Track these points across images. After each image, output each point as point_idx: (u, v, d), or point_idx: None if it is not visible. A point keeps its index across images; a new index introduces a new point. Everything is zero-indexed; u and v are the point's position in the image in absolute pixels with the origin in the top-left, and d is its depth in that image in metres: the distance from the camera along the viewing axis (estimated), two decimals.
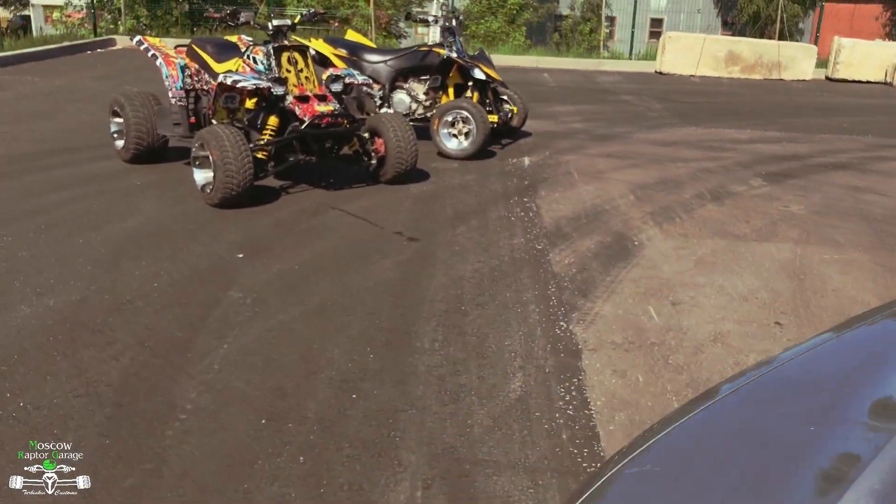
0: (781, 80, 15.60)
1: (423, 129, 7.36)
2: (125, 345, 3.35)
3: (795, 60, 15.74)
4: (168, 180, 6.01)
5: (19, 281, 3.98)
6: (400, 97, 7.79)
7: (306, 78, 5.81)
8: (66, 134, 7.52)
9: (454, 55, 7.51)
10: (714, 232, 5.30)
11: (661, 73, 15.80)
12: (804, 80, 15.65)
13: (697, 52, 15.62)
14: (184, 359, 3.25)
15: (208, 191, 5.34)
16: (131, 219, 5.08)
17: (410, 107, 7.77)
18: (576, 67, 16.36)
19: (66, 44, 14.21)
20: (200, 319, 3.63)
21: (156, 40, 6.66)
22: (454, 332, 3.60)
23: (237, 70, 5.98)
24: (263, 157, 5.65)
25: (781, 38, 40.67)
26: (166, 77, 6.27)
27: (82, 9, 22.66)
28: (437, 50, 7.71)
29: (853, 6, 17.80)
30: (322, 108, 5.64)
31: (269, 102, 5.74)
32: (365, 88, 6.20)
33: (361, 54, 7.83)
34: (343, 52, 7.81)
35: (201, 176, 5.44)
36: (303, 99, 5.69)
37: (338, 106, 5.75)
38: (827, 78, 15.90)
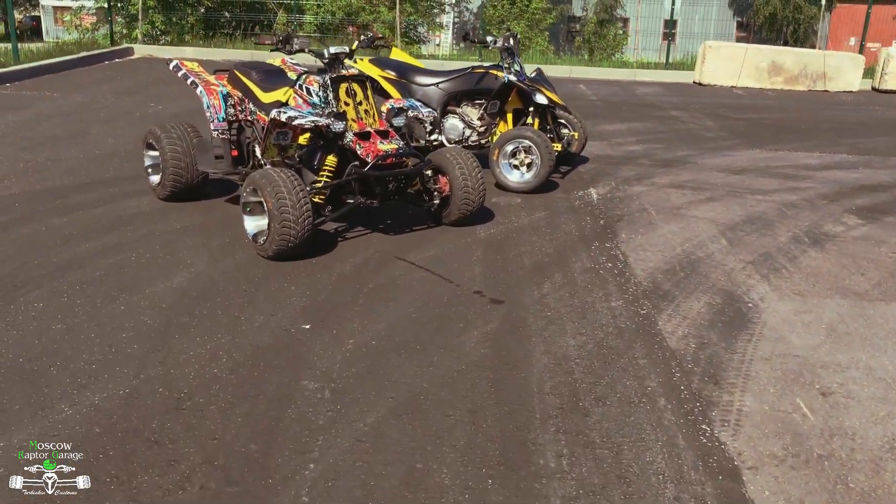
0: (826, 91, 14.95)
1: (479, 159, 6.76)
2: (191, 464, 2.76)
3: (841, 71, 15.09)
4: (212, 223, 5.43)
5: (56, 367, 3.40)
6: (452, 123, 7.19)
7: (366, 111, 5.22)
8: (93, 163, 6.94)
9: (514, 78, 6.91)
10: (831, 289, 4.68)
11: (700, 83, 15.17)
12: (851, 92, 14.99)
13: (739, 63, 14.98)
14: (265, 486, 2.67)
15: (261, 241, 4.75)
16: (177, 275, 4.50)
17: (463, 133, 7.18)
18: (612, 77, 15.74)
19: (83, 54, 13.66)
20: (275, 422, 3.04)
21: (193, 65, 6.08)
22: (580, 442, 3.00)
23: (287, 101, 5.39)
24: (320, 200, 5.06)
25: (796, 40, 39.86)
26: (207, 107, 5.69)
27: (94, 11, 22.15)
28: (494, 72, 7.10)
29: (870, 7, 17.11)
30: (385, 146, 5.05)
31: (326, 140, 5.15)
32: (412, 113, 5.60)
33: (410, 76, 7.23)
34: (391, 73, 7.22)
35: (253, 224, 4.86)
36: (363, 136, 5.10)
37: (402, 143, 5.16)
38: (874, 89, 15.24)
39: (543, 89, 6.94)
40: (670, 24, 20.64)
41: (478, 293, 4.42)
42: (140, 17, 16.97)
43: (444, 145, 7.21)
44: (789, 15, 39.70)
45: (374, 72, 7.19)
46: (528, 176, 6.58)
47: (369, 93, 5.27)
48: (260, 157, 5.44)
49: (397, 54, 7.81)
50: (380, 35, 5.64)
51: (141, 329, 3.79)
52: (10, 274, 4.40)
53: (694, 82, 15.39)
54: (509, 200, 6.39)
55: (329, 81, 5.11)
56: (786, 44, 36.27)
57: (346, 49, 5.26)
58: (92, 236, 5.09)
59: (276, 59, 6.42)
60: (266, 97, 5.60)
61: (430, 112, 5.63)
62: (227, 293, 4.28)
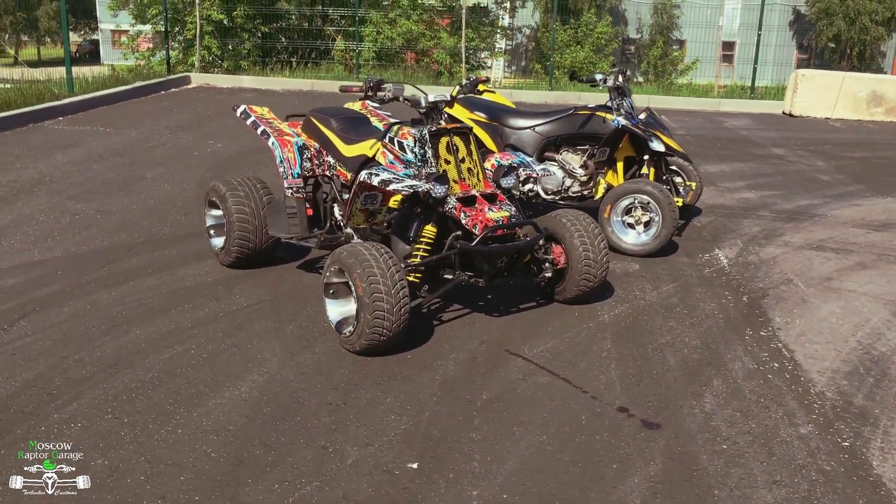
0: None
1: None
2: None
3: None
4: (283, 300, 4.58)
5: None
6: (550, 171, 6.26)
7: (469, 171, 4.33)
8: (146, 216, 6.17)
9: (625, 121, 5.98)
10: None
11: (791, 115, 14.04)
12: None
13: (835, 92, 13.84)
14: None
15: (347, 332, 3.88)
16: (246, 377, 3.64)
17: (563, 183, 6.25)
18: (693, 107, 14.70)
19: (139, 84, 13.09)
20: None
21: (263, 110, 5.27)
22: None
23: (374, 156, 4.54)
24: (415, 279, 4.18)
25: (862, 61, 38.09)
26: (281, 161, 4.87)
27: (149, 34, 21.78)
28: (601, 114, 6.18)
29: None
30: (495, 214, 4.15)
31: (423, 206, 4.28)
32: (525, 172, 4.68)
33: (503, 118, 6.34)
34: (481, 115, 6.34)
35: (337, 311, 3.99)
36: (467, 201, 4.21)
37: (513, 210, 4.25)
38: None
39: (659, 134, 5.99)
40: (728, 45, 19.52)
41: (623, 411, 3.47)
42: (197, 42, 16.42)
43: (541, 197, 6.30)
44: (854, 36, 38.10)
45: (461, 114, 6.32)
46: (647, 237, 5.62)
47: (473, 148, 4.39)
48: (342, 222, 4.58)
49: (490, 95, 6.93)
50: (483, 78, 4.74)
51: (203, 468, 2.92)
52: (43, 375, 3.58)
53: (784, 113, 14.27)
54: (626, 267, 5.44)
55: (428, 136, 4.23)
56: (853, 68, 34.75)
57: (447, 97, 4.39)
58: (144, 318, 4.27)
59: (355, 102, 5.60)
60: (348, 150, 4.76)
61: (543, 170, 4.71)
62: (308, 408, 3.40)
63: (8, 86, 11.22)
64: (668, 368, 3.91)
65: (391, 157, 4.42)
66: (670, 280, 5.21)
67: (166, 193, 6.79)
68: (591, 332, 4.32)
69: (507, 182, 4.42)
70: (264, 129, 5.00)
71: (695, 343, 4.22)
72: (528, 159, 4.74)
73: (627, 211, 5.68)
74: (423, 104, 4.34)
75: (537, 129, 6.30)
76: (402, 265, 4.08)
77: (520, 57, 35.17)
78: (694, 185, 6.43)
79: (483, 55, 24.52)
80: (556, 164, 6.28)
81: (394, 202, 4.55)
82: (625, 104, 6.09)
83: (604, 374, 3.82)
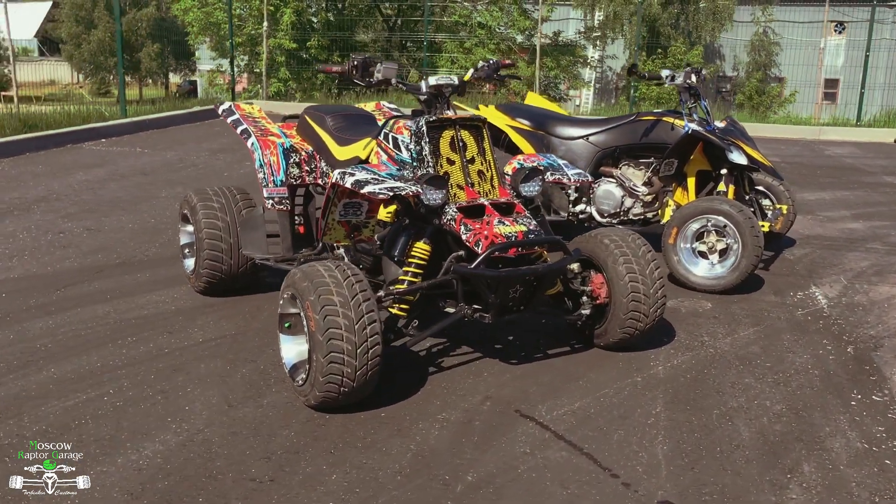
0: None
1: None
2: None
3: None
4: (250, 335, 3.67)
5: None
6: (607, 189, 5.22)
7: (480, 174, 3.34)
8: (138, 236, 5.40)
9: (698, 128, 4.89)
10: None
11: None
12: None
13: None
14: None
15: (300, 381, 2.93)
16: (155, 439, 2.72)
17: (622, 204, 5.18)
18: (789, 136, 13.29)
19: (195, 109, 12.64)
20: None
21: (253, 108, 4.44)
22: None
23: (368, 157, 3.63)
24: (401, 312, 3.20)
25: None
26: (260, 166, 4.00)
27: (243, 73, 21.67)
28: (669, 120, 5.11)
29: None
30: (507, 228, 3.13)
31: (416, 217, 3.31)
32: (553, 177, 3.61)
33: (550, 126, 5.34)
34: (524, 123, 5.35)
35: (294, 350, 3.05)
36: (473, 211, 3.22)
37: (533, 224, 3.22)
38: None
39: (742, 144, 4.87)
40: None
41: None
42: (264, 73, 16.03)
43: (595, 220, 5.24)
44: None
45: (501, 120, 5.35)
46: (722, 269, 4.49)
47: (486, 145, 3.40)
48: (320, 239, 3.64)
49: (534, 100, 5.96)
50: (507, 61, 3.77)
51: None
52: None
53: (895, 141, 12.73)
54: (695, 305, 4.32)
55: (425, 128, 3.27)
56: None
57: (454, 80, 3.42)
58: (69, 354, 3.42)
59: (370, 103, 4.72)
60: (341, 152, 3.86)
61: (578, 175, 3.67)
62: (220, 485, 2.44)
63: (54, 108, 10.89)
64: (739, 445, 2.79)
65: (385, 156, 3.49)
66: (751, 323, 4.06)
67: (172, 213, 6.03)
68: (638, 389, 3.23)
69: (529, 189, 3.41)
70: (245, 129, 4.15)
71: (779, 409, 3.08)
72: (561, 162, 3.71)
73: (699, 236, 4.57)
74: (424, 89, 3.40)
75: (591, 138, 5.26)
76: (384, 293, 3.12)
77: (609, 93, 33.99)
78: (785, 208, 5.25)
79: (563, 87, 23.56)
80: (613, 180, 5.22)
81: (386, 213, 3.61)
82: (700, 107, 5.01)
83: (646, 449, 2.73)
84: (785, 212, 5.24)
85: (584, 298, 3.53)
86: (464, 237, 3.12)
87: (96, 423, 2.81)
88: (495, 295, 3.11)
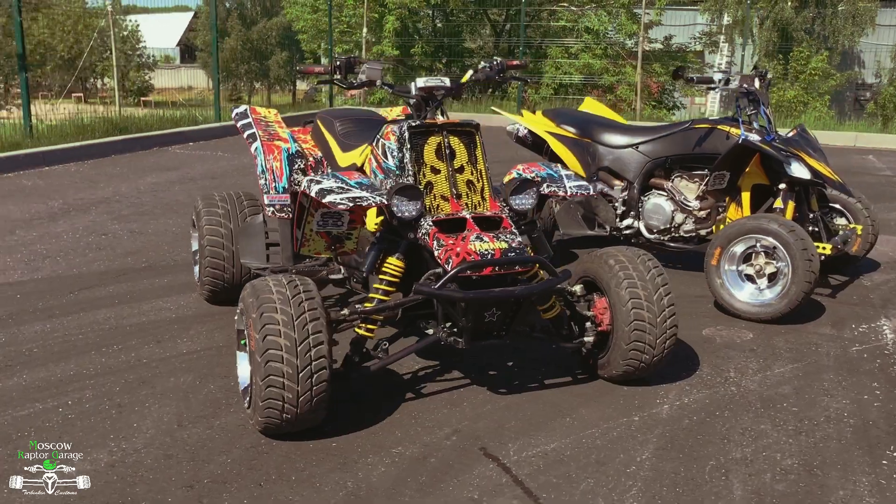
0: None
1: (695, 259, 4.35)
2: None
3: None
4: (225, 353, 3.51)
5: None
6: (656, 204, 4.80)
7: (469, 184, 3.06)
8: (174, 240, 5.38)
9: (755, 138, 4.42)
10: None
11: None
12: None
13: None
14: None
15: (247, 404, 2.75)
16: (88, 457, 2.58)
17: (672, 219, 4.75)
18: None
19: (290, 114, 12.81)
20: None
21: (269, 112, 4.29)
22: None
23: (363, 164, 3.41)
24: (368, 334, 2.95)
25: None
26: (262, 172, 3.84)
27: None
28: (724, 128, 4.65)
29: None
30: (482, 245, 2.83)
31: (391, 230, 3.07)
32: (549, 189, 3.21)
33: (598, 133, 4.97)
34: (569, 130, 5.00)
35: (246, 370, 2.86)
36: (452, 225, 2.94)
37: (517, 241, 2.90)
38: None
39: (805, 156, 4.36)
40: None
41: None
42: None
43: (643, 236, 4.84)
44: None
45: (543, 126, 5.03)
46: (771, 294, 4.01)
47: (479, 154, 3.11)
48: (295, 250, 3.44)
49: (591, 106, 5.58)
50: (515, 62, 3.46)
51: None
52: None
53: None
54: (734, 334, 3.87)
55: (406, 133, 3.02)
56: None
57: (445, 82, 3.16)
58: (48, 360, 3.36)
59: (396, 108, 4.53)
60: (343, 158, 3.66)
61: (579, 187, 3.30)
62: None
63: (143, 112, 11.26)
64: None
65: (375, 164, 3.26)
66: (791, 359, 3.58)
67: None
68: (630, 430, 2.87)
69: (521, 202, 3.09)
70: (252, 133, 4.01)
71: (789, 463, 2.65)
72: (564, 173, 3.36)
73: (746, 258, 4.11)
74: (414, 91, 3.15)
75: (641, 147, 4.86)
76: (348, 311, 2.89)
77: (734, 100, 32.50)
78: (860, 228, 4.67)
79: (677, 94, 22.64)
80: (664, 194, 4.80)
81: (374, 225, 3.37)
82: (760, 116, 4.53)
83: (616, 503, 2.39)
84: (860, 232, 4.67)
85: (588, 324, 3.19)
86: (436, 253, 2.85)
87: (37, 437, 2.70)
88: (466, 318, 2.83)
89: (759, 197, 4.57)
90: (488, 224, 2.98)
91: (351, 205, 2.86)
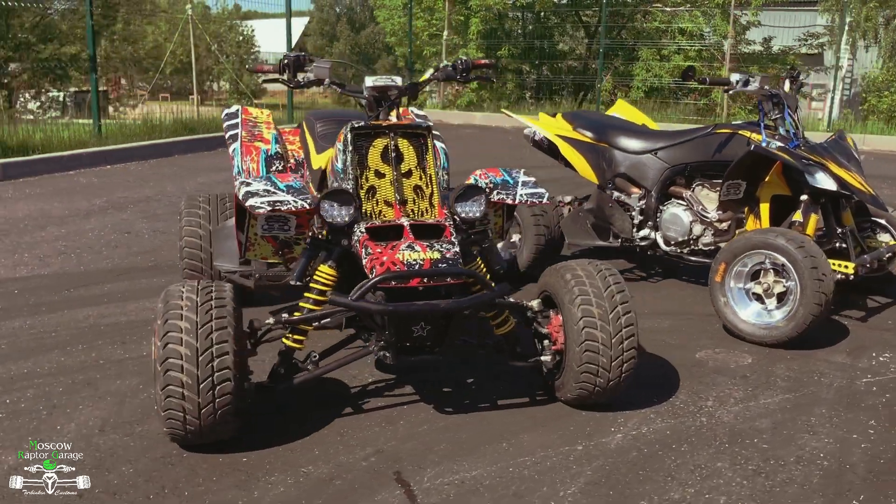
0: None
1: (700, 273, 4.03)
2: None
3: None
4: None
5: None
6: (674, 214, 4.48)
7: (417, 190, 2.89)
8: (174, 241, 5.38)
9: (775, 144, 4.06)
10: None
11: None
12: None
13: None
14: None
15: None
16: (3, 457, 2.56)
17: (691, 230, 4.42)
18: None
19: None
20: None
21: (262, 113, 4.23)
22: None
23: (326, 166, 3.30)
24: (296, 345, 2.82)
25: None
26: (238, 173, 3.80)
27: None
28: (745, 133, 4.30)
29: None
30: (413, 255, 2.65)
31: (324, 237, 2.94)
32: (499, 196, 2.98)
33: (615, 137, 4.68)
34: (585, 134, 4.74)
35: None
36: (386, 233, 2.78)
37: (452, 251, 2.71)
38: None
39: (833, 165, 3.97)
40: None
41: None
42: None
43: (660, 248, 4.54)
44: None
45: (558, 130, 4.79)
46: (779, 315, 3.66)
47: (430, 158, 2.93)
48: (242, 255, 3.33)
49: (622, 108, 5.29)
50: (483, 60, 3.26)
51: None
52: None
53: None
54: (730, 358, 3.54)
55: (349, 135, 2.88)
56: None
57: (396, 82, 3.00)
58: (11, 358, 3.39)
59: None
60: (316, 160, 3.57)
61: (533, 195, 3.06)
62: None
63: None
64: None
65: (331, 167, 3.14)
66: (785, 389, 3.24)
67: None
68: (568, 460, 2.63)
69: (467, 209, 2.89)
70: (234, 134, 3.95)
71: None
72: (523, 179, 3.13)
73: (755, 275, 3.76)
74: (366, 92, 3.01)
75: (660, 153, 4.55)
76: (274, 321, 2.77)
77: (856, 103, 30.73)
78: None
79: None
80: (683, 203, 4.48)
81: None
82: (785, 122, 4.16)
83: None
84: None
85: (547, 342, 2.97)
86: (363, 262, 2.69)
87: None
88: (390, 332, 2.66)
89: (785, 209, 4.19)
90: (428, 232, 2.80)
91: (269, 209, 2.73)
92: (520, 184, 3.08)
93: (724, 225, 4.36)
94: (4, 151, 8.04)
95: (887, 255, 4.27)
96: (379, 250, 2.67)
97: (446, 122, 14.64)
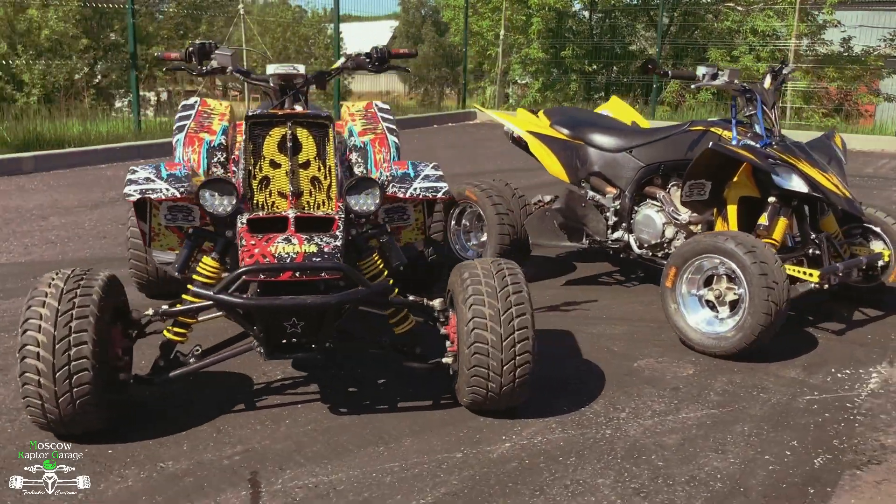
0: None
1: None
2: None
3: None
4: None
5: None
6: (647, 216, 4.26)
7: (314, 181, 2.80)
8: None
9: (743, 142, 3.80)
10: None
11: None
12: None
13: None
14: None
15: None
16: None
17: (663, 233, 4.19)
18: None
19: (426, 114, 12.97)
20: None
21: (219, 104, 4.18)
22: None
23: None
24: (177, 338, 2.77)
25: None
26: (179, 161, 3.76)
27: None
28: (717, 131, 4.05)
29: None
30: (288, 248, 2.56)
31: (207, 228, 2.88)
32: (394, 190, 2.86)
33: (591, 135, 4.49)
34: (561, 131, 4.56)
35: None
36: (269, 225, 2.70)
37: (332, 245, 2.60)
38: None
39: (805, 165, 3.69)
40: None
41: None
42: (497, 80, 15.94)
43: (633, 251, 4.33)
44: None
45: (529, 126, 4.62)
46: (729, 324, 3.41)
47: (330, 148, 2.84)
48: (146, 245, 3.29)
49: (616, 106, 5.07)
50: (402, 50, 3.15)
51: None
52: None
53: None
54: (669, 368, 3.33)
55: (246, 126, 2.81)
56: None
57: (299, 70, 2.93)
58: None
59: (359, 102, 4.31)
60: None
61: (427, 189, 2.92)
62: None
63: None
64: None
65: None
66: (716, 403, 3.01)
67: None
68: (440, 468, 2.49)
69: (358, 203, 2.77)
70: (182, 125, 3.93)
71: None
72: (426, 173, 2.99)
73: (708, 282, 3.52)
74: (272, 82, 2.94)
75: (634, 151, 4.34)
76: (154, 312, 2.72)
77: None
78: (888, 254, 3.90)
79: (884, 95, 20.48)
80: (657, 204, 4.25)
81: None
82: (757, 119, 3.88)
83: None
84: (887, 257, 3.90)
85: (448, 343, 2.85)
86: (240, 253, 2.62)
87: None
88: (258, 327, 2.58)
89: (757, 211, 3.92)
90: (316, 226, 2.71)
91: (138, 196, 2.69)
92: (420, 177, 2.95)
93: (697, 228, 4.11)
94: (40, 144, 8.33)
95: (880, 264, 3.94)
96: (253, 242, 2.60)
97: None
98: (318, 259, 2.56)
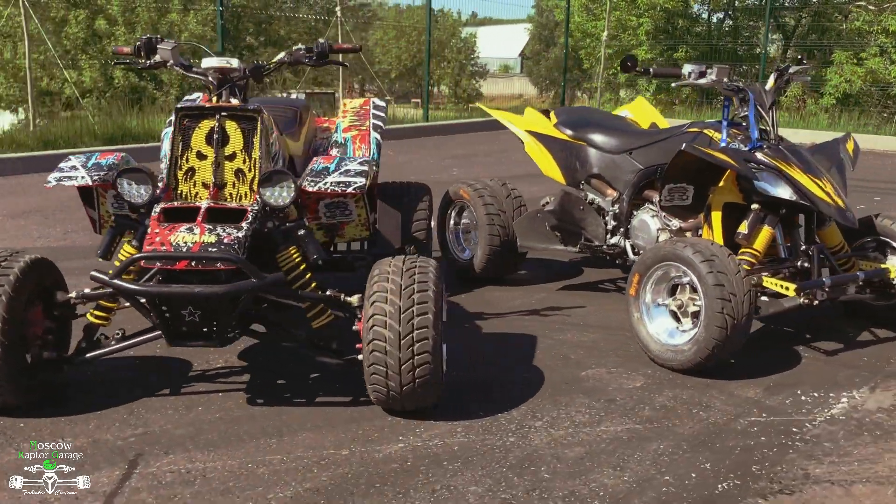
0: None
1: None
2: None
3: None
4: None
5: None
6: (642, 220, 4.08)
7: (238, 174, 2.86)
8: None
9: (732, 145, 3.57)
10: None
11: None
12: None
13: None
14: None
15: None
16: None
17: (657, 239, 4.00)
18: None
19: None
20: None
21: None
22: None
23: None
24: (99, 321, 2.89)
25: None
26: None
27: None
28: (710, 133, 3.82)
29: None
30: (188, 238, 2.62)
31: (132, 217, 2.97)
32: (312, 184, 2.83)
33: (593, 136, 4.34)
34: (564, 132, 4.42)
35: None
36: (182, 214, 2.77)
37: (232, 237, 2.63)
38: None
39: (795, 171, 3.43)
40: None
41: None
42: (599, 83, 15.58)
43: (628, 257, 4.17)
44: None
45: (530, 125, 4.51)
46: (687, 337, 3.22)
47: (256, 141, 2.88)
48: (98, 231, 3.41)
49: (639, 107, 4.88)
50: (344, 45, 3.13)
51: None
52: None
53: None
54: (616, 379, 3.17)
55: (175, 119, 2.90)
56: None
57: (233, 64, 2.98)
58: None
59: (357, 99, 4.37)
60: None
61: (339, 184, 2.88)
62: None
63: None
64: None
65: None
66: (644, 419, 2.84)
67: None
68: (312, 465, 2.48)
69: (275, 196, 2.79)
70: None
71: None
72: (349, 168, 2.97)
73: (672, 291, 3.33)
74: (210, 77, 3.02)
75: (635, 153, 4.16)
76: (75, 295, 2.84)
77: None
78: (893, 270, 3.56)
79: None
80: (654, 209, 4.06)
81: None
82: (749, 122, 3.63)
83: None
84: (893, 276, 3.56)
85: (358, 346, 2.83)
86: (144, 242, 2.69)
87: None
88: (153, 314, 2.64)
89: (735, 217, 3.65)
90: (228, 217, 2.75)
91: (55, 183, 2.81)
92: (339, 172, 2.94)
93: (689, 235, 3.89)
94: (134, 138, 8.86)
95: (884, 277, 3.61)
96: (157, 230, 2.67)
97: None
98: (214, 249, 2.60)
